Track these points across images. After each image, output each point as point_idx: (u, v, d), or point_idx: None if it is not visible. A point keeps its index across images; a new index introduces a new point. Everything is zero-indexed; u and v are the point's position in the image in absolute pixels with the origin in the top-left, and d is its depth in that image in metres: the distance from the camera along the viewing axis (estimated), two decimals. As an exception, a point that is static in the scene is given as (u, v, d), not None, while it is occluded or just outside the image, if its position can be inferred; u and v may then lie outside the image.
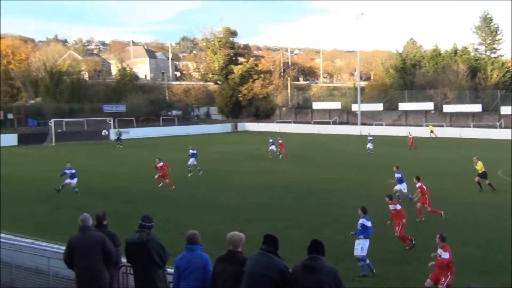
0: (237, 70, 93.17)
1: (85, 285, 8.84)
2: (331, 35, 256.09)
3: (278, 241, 7.45)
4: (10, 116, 68.47)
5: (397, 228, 16.85)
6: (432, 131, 64.43)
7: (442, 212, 20.46)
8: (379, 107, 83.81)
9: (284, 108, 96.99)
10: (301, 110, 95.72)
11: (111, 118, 68.13)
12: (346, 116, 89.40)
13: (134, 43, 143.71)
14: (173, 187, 28.09)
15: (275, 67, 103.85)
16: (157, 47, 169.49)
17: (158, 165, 28.74)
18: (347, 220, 20.28)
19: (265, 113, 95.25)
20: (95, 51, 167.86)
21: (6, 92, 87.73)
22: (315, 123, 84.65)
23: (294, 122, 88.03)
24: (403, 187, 24.14)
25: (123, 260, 9.43)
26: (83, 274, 8.78)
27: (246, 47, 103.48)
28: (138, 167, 37.27)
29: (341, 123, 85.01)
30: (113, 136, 65.41)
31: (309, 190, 27.91)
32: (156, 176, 29.13)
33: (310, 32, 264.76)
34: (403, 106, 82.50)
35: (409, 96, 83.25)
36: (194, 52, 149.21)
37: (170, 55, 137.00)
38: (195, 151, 33.92)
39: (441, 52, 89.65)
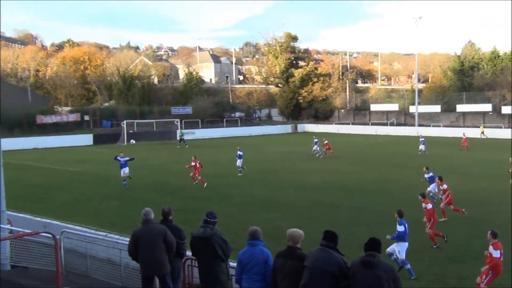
0: (298, 73, 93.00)
1: (149, 273, 9.10)
2: (389, 38, 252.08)
3: (338, 237, 7.42)
4: (86, 117, 70.64)
5: (428, 225, 16.70)
6: (482, 132, 62.33)
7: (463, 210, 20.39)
8: (436, 108, 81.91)
9: (342, 110, 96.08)
10: (359, 111, 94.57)
11: (178, 120, 69.21)
12: (403, 117, 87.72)
13: (200, 49, 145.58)
14: (205, 184, 28.63)
15: (334, 70, 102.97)
16: (222, 52, 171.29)
17: (192, 163, 29.22)
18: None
19: (324, 114, 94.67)
20: (164, 57, 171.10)
21: (83, 95, 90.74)
22: (372, 124, 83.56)
23: (352, 124, 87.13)
24: (432, 188, 23.49)
25: (188, 253, 9.60)
26: (147, 263, 9.04)
27: (306, 51, 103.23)
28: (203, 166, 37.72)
29: (398, 124, 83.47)
30: (179, 137, 66.50)
31: (365, 189, 27.54)
32: (191, 174, 29.54)
33: (368, 36, 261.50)
34: (461, 108, 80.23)
35: (467, 97, 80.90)
36: (257, 56, 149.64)
37: (233, 60, 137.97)
38: (241, 153, 34.05)
39: (499, 54, 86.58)
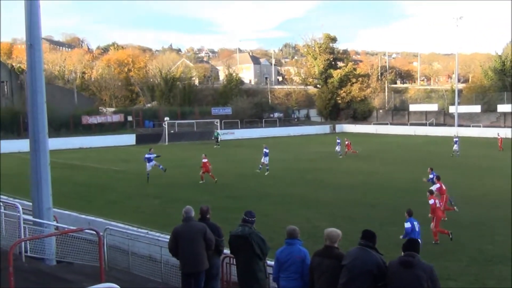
0: (336, 74, 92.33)
1: (189, 269, 9.18)
2: (429, 38, 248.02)
3: (376, 237, 7.33)
4: (129, 118, 71.65)
5: (432, 222, 17.01)
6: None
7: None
8: (476, 109, 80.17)
9: (381, 110, 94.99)
10: (398, 112, 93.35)
11: (218, 120, 69.61)
12: (443, 117, 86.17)
13: (240, 51, 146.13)
14: (216, 179, 29.33)
15: (373, 70, 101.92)
16: (261, 54, 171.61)
17: (203, 161, 29.56)
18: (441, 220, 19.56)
19: (362, 115, 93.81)
20: (205, 59, 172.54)
21: (126, 96, 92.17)
22: (411, 124, 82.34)
23: (391, 124, 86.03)
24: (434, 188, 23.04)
25: (227, 251, 9.63)
26: (187, 259, 9.14)
27: (345, 52, 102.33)
28: (242, 165, 37.86)
29: (437, 124, 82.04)
30: (219, 137, 66.92)
31: (403, 189, 27.22)
32: (201, 172, 29.78)
33: (408, 36, 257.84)
34: (502, 108, 78.24)
35: (508, 98, 78.86)
36: (296, 58, 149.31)
37: (273, 61, 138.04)
38: (268, 150, 34.00)
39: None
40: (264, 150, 33.95)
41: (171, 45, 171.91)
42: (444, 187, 20.73)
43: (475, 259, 14.80)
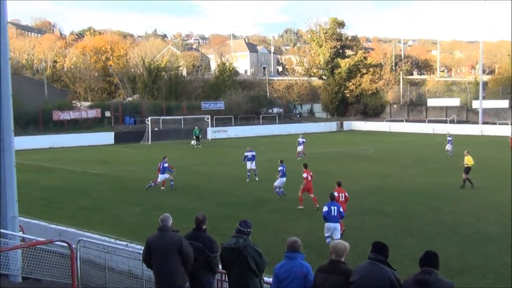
0: (344, 64, 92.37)
1: (162, 284, 9.14)
2: (450, 24, 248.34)
3: (388, 249, 7.31)
4: (107, 113, 71.44)
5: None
6: None
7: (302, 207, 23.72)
8: (504, 104, 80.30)
9: (395, 105, 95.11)
10: (414, 107, 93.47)
11: (209, 116, 69.51)
12: (465, 114, 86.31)
13: (234, 37, 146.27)
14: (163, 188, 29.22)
15: (386, 60, 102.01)
16: (259, 40, 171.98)
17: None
18: (464, 230, 19.67)
19: (374, 110, 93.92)
20: (194, 46, 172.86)
21: (104, 89, 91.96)
22: (429, 121, 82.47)
23: (406, 121, 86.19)
24: (281, 182, 26.52)
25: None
26: (160, 274, 9.12)
27: (354, 38, 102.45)
28: (235, 168, 37.80)
29: (459, 122, 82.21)
30: (210, 135, 66.87)
31: (421, 195, 27.24)
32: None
33: (426, 21, 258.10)
34: (532, 103, 78.55)
35: (540, 91, 79.13)
36: (298, 45, 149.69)
37: (272, 49, 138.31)
38: (254, 153, 33.75)
39: None
40: (248, 153, 33.60)
41: (155, 30, 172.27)
42: (309, 177, 23.99)
43: (501, 275, 14.80)
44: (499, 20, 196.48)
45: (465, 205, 24.63)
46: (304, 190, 24.03)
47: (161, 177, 29.33)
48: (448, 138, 45.50)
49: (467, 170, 29.67)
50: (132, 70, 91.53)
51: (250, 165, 33.04)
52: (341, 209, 17.35)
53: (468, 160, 29.95)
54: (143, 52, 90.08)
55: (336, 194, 18.75)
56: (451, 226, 20.42)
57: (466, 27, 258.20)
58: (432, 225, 20.62)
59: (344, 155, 46.56)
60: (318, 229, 19.30)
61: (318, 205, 22.98)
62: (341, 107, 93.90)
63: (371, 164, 40.26)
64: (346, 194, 19.70)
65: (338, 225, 17.08)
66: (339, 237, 16.45)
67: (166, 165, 29.49)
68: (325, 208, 17.23)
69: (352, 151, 50.53)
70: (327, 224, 17.10)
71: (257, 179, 32.64)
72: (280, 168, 26.78)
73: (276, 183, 26.68)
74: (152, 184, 29.22)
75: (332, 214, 16.98)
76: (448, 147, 44.64)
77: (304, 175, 23.87)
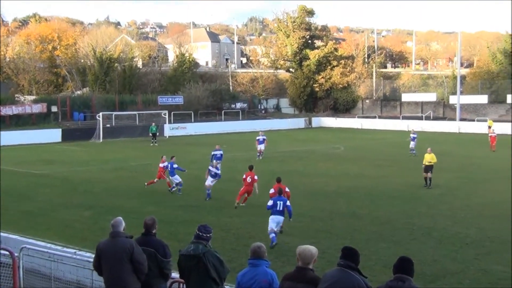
0: (313, 55, 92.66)
1: None
2: (427, 13, 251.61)
3: (359, 255, 7.37)
4: (54, 108, 70.42)
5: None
6: (490, 127, 61.48)
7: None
8: (483, 99, 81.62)
9: (367, 101, 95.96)
10: (388, 102, 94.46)
11: (166, 112, 69.08)
12: (442, 110, 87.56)
13: (194, 25, 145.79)
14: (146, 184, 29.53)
15: (358, 51, 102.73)
16: (221, 30, 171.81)
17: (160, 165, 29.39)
18: (439, 234, 19.96)
19: (345, 106, 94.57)
20: (150, 35, 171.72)
21: (51, 81, 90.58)
22: (404, 118, 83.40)
23: (379, 117, 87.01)
24: (175, 179, 28.05)
25: (174, 274, 9.56)
26: (110, 283, 9.07)
27: (324, 28, 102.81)
28: (195, 167, 37.70)
29: (436, 118, 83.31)
30: (167, 133, 66.50)
31: (394, 197, 27.59)
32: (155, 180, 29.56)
33: (402, 10, 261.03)
34: (512, 98, 79.97)
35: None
36: (264, 34, 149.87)
37: (235, 39, 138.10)
38: (222, 152, 33.98)
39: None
40: (216, 152, 33.72)
41: (107, 18, 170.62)
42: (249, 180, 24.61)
43: (478, 281, 15.07)
44: (479, 10, 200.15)
45: (441, 207, 25.00)
46: (243, 192, 24.93)
47: (174, 179, 28.68)
48: (412, 135, 46.07)
49: (429, 168, 30.37)
50: (82, 61, 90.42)
51: (218, 164, 33.00)
52: (288, 204, 18.44)
53: (432, 158, 30.68)
54: (94, 41, 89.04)
55: (272, 190, 19.79)
56: (426, 230, 20.69)
57: (444, 16, 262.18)
58: (406, 229, 20.87)
59: (312, 154, 46.80)
60: (284, 234, 19.42)
61: (243, 204, 24.91)
62: (309, 102, 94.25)
63: (341, 164, 40.54)
64: (287, 190, 20.65)
65: (281, 219, 18.31)
66: (278, 229, 18.23)
67: (175, 166, 28.94)
68: (270, 202, 18.54)
69: (322, 149, 50.84)
70: (271, 217, 18.20)
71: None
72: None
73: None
74: (173, 188, 28.89)
75: (277, 208, 18.21)
76: (412, 145, 45.21)
77: (244, 176, 24.71)
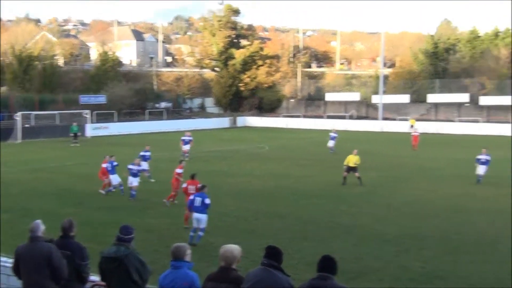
0: (239, 55, 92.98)
1: None
2: (350, 13, 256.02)
3: (283, 254, 7.42)
4: (-32, 108, 68.35)
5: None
6: (412, 126, 63.51)
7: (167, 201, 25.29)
8: (405, 98, 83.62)
9: (292, 100, 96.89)
10: (313, 102, 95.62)
11: (88, 111, 68.03)
12: (365, 109, 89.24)
13: (118, 23, 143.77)
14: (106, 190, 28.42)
15: (284, 51, 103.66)
16: (146, 28, 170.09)
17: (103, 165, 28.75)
18: (361, 232, 20.33)
19: (270, 105, 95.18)
20: (72, 32, 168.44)
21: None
22: (328, 117, 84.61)
23: (304, 116, 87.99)
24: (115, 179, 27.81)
25: (95, 277, 9.41)
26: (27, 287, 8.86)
27: (250, 27, 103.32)
28: (118, 169, 37.24)
29: (359, 117, 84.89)
30: (89, 133, 65.40)
31: (318, 196, 27.94)
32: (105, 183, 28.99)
33: (326, 10, 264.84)
34: (433, 98, 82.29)
35: (441, 86, 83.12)
36: (189, 33, 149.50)
37: (160, 37, 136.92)
38: (149, 153, 33.90)
39: (479, 35, 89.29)
40: (143, 153, 33.40)
41: (27, 15, 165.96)
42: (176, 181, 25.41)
43: (398, 278, 15.44)
44: (402, 11, 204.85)
45: (363, 205, 25.50)
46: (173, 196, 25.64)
47: (114, 180, 28.06)
48: (331, 134, 46.86)
49: (352, 169, 31.05)
50: (1, 59, 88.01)
51: (147, 165, 32.72)
52: (207, 201, 18.53)
53: (357, 160, 31.31)
54: (13, 39, 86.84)
55: (185, 185, 20.83)
56: (348, 228, 21.05)
57: (368, 17, 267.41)
58: (329, 227, 21.17)
59: (237, 154, 46.90)
60: (208, 234, 19.36)
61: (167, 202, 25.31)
62: (234, 101, 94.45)
63: (266, 163, 40.77)
64: (198, 186, 20.44)
65: (203, 216, 18.48)
66: (204, 226, 18.48)
67: (115, 163, 28.26)
68: (190, 197, 19.33)
69: (246, 149, 51.02)
70: (193, 214, 18.77)
71: (152, 180, 32.24)
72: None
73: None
74: (111, 189, 28.16)
75: (195, 204, 18.56)
76: (330, 143, 46.02)
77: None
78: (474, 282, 15.06)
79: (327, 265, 7.14)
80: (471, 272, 15.93)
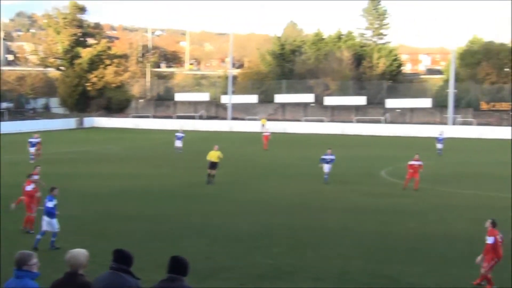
0: (86, 53, 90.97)
1: None
2: (199, 13, 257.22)
3: (132, 258, 7.30)
4: None
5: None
6: (263, 125, 65.73)
7: None
8: (253, 99, 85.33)
9: (141, 100, 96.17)
10: (162, 102, 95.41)
11: None
12: (214, 109, 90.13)
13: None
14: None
15: (132, 50, 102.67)
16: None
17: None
18: (212, 231, 20.53)
19: (118, 105, 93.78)
20: None
21: None
22: (178, 117, 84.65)
23: (154, 117, 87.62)
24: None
25: None
26: None
27: (97, 26, 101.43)
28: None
29: (209, 117, 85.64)
30: None
31: (169, 196, 27.99)
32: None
33: (174, 10, 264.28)
34: (280, 98, 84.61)
35: (287, 86, 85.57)
36: (32, 30, 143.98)
37: (1, 34, 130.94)
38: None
39: (323, 37, 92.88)
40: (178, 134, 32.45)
41: None
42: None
43: (249, 274, 15.76)
44: (249, 12, 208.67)
45: (216, 204, 25.80)
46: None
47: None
48: (178, 134, 47.26)
49: (214, 165, 31.50)
50: None
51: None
52: (50, 204, 18.33)
53: (220, 155, 31.91)
54: None
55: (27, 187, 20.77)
56: (201, 227, 21.18)
57: (216, 17, 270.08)
58: (181, 227, 21.21)
59: (84, 155, 45.90)
60: (59, 239, 18.73)
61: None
62: (81, 101, 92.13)
63: (115, 165, 40.23)
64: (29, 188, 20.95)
65: (52, 220, 18.19)
66: (56, 229, 18.10)
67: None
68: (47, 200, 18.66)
69: (94, 150, 50.11)
70: (43, 217, 18.38)
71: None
72: None
73: None
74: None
75: (50, 205, 18.36)
76: (178, 143, 46.42)
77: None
78: (320, 276, 15.64)
79: (176, 266, 7.14)
80: (317, 266, 16.53)
